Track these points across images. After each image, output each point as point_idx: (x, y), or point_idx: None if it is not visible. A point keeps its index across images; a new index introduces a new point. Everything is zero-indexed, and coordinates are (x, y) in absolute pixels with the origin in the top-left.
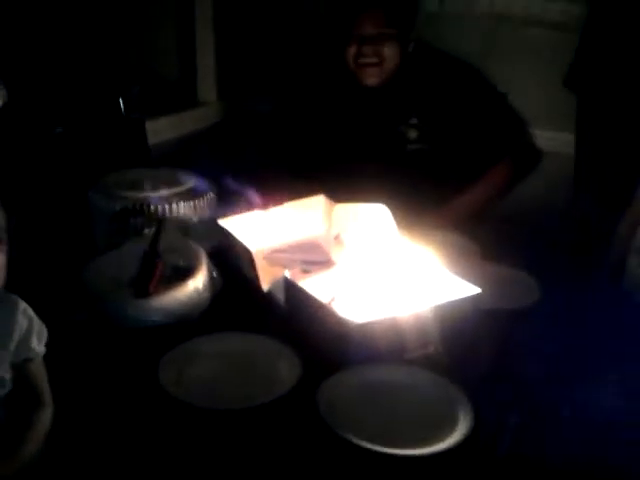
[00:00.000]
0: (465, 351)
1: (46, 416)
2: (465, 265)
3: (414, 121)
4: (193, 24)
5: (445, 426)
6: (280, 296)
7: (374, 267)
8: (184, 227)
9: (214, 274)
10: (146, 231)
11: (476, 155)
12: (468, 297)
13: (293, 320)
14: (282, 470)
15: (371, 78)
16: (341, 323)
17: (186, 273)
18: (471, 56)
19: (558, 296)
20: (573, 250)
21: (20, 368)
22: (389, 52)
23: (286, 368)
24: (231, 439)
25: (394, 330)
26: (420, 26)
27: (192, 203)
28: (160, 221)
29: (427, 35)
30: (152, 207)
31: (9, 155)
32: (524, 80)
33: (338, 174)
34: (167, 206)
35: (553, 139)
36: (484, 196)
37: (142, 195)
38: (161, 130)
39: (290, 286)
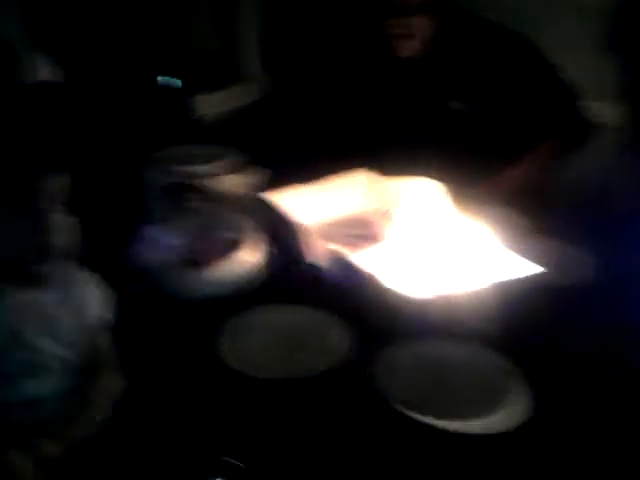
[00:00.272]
0: (521, 327)
1: (113, 381)
2: (519, 240)
3: (458, 92)
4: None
5: (500, 402)
6: (330, 270)
7: (426, 242)
8: (234, 201)
9: (266, 248)
10: (199, 205)
11: (523, 127)
12: (527, 275)
13: (344, 294)
14: (334, 439)
15: (405, 50)
16: (395, 298)
17: (239, 246)
18: (520, 19)
19: (613, 272)
20: (627, 224)
21: (89, 336)
22: (421, 23)
23: (338, 340)
24: (285, 409)
25: (450, 306)
26: None
27: (243, 178)
28: (212, 195)
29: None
30: (204, 181)
31: (64, 131)
32: (576, 46)
33: (382, 148)
34: (219, 181)
35: (602, 109)
36: (533, 170)
37: (194, 170)
38: (208, 105)
39: (340, 260)
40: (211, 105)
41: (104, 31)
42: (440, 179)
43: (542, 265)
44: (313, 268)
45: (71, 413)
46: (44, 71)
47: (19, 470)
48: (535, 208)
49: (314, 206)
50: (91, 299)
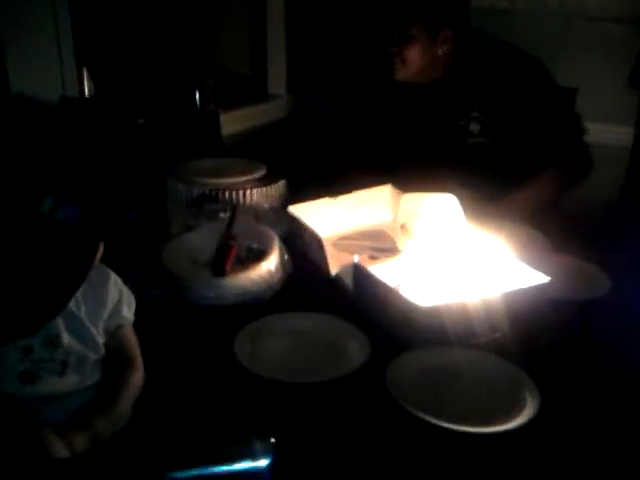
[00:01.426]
0: (532, 338)
1: (137, 377)
2: (534, 255)
3: (476, 114)
4: (265, 21)
5: (511, 408)
6: (348, 281)
7: (442, 255)
8: (256, 213)
9: (285, 257)
10: (221, 215)
11: (531, 154)
12: (537, 285)
13: (360, 303)
14: (348, 442)
15: (397, 74)
16: (409, 307)
17: (259, 255)
18: (542, 51)
19: (628, 289)
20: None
21: (113, 334)
22: (411, 52)
23: (354, 347)
24: (300, 412)
25: (462, 314)
26: (472, 19)
27: (264, 190)
28: (234, 207)
29: (498, 31)
30: (227, 193)
31: (95, 143)
32: (596, 75)
33: (402, 168)
34: (241, 192)
35: (618, 132)
36: (540, 196)
37: (217, 182)
38: (234, 121)
39: (359, 271)
40: (237, 121)
41: (146, 50)
42: (457, 195)
43: (557, 279)
44: (332, 278)
45: (97, 408)
46: (87, 86)
47: (54, 450)
48: (552, 226)
49: (334, 219)
50: (118, 302)
